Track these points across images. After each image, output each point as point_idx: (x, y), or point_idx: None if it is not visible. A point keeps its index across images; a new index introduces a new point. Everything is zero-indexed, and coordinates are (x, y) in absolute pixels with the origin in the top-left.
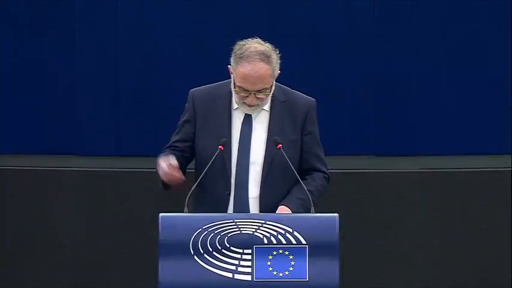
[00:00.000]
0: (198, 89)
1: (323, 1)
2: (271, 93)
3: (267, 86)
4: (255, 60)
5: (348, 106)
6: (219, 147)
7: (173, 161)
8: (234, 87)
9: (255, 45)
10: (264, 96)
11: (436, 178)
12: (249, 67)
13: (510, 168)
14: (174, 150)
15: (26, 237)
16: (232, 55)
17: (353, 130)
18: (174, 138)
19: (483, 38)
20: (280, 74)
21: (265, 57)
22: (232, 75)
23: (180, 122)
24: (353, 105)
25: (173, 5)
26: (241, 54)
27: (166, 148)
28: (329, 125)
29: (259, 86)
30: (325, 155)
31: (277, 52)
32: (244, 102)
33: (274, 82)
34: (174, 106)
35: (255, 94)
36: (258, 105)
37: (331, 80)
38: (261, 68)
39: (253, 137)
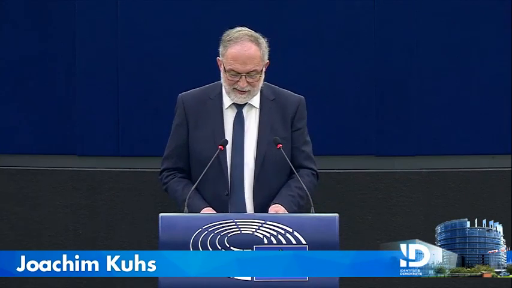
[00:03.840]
0: (187, 93)
1: (323, 1)
2: (262, 78)
3: (257, 68)
4: (244, 40)
5: (348, 106)
6: (219, 147)
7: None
8: (225, 72)
9: (242, 28)
10: (254, 81)
11: (436, 178)
12: (239, 47)
13: (510, 168)
14: (177, 167)
15: (25, 237)
16: (221, 43)
17: (353, 130)
18: (170, 145)
19: (483, 38)
20: (273, 67)
21: (253, 39)
22: (221, 66)
23: (173, 127)
24: (353, 105)
25: (173, 5)
26: (229, 38)
27: (164, 162)
28: (329, 125)
29: (249, 67)
30: (325, 155)
31: (266, 40)
32: (235, 88)
33: (264, 70)
34: (174, 106)
35: (245, 77)
36: (249, 91)
37: (331, 80)
38: (250, 47)
39: (246, 136)
